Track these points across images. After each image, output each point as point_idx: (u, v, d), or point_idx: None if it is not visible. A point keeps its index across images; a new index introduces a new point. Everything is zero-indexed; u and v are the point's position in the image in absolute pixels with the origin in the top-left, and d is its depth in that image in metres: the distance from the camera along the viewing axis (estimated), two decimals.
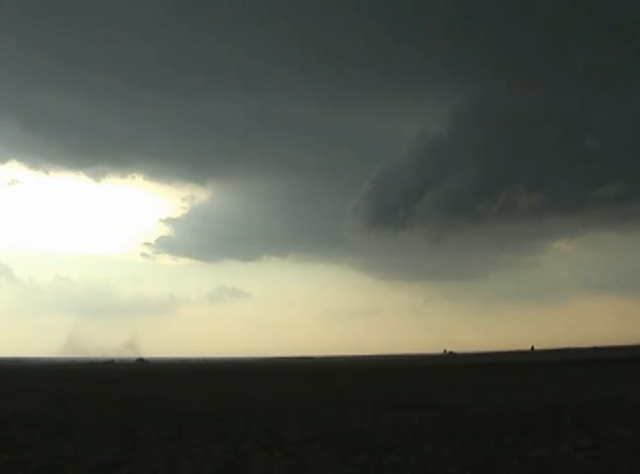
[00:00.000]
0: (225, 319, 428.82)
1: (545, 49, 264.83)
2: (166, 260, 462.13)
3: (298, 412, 24.60)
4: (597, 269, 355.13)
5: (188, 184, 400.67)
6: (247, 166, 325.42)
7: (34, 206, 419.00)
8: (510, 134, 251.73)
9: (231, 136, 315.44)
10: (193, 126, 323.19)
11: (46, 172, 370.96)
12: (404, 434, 17.27)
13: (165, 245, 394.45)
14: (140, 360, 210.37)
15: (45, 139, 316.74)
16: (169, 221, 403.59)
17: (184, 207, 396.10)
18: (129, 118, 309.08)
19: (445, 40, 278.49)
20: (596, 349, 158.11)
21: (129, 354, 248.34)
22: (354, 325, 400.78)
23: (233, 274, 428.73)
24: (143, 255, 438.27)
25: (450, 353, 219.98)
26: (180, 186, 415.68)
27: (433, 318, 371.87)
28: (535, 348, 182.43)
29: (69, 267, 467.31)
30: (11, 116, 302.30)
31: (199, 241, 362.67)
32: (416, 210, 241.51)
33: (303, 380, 58.92)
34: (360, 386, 44.46)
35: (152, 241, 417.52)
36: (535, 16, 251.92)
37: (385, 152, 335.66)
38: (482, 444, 14.90)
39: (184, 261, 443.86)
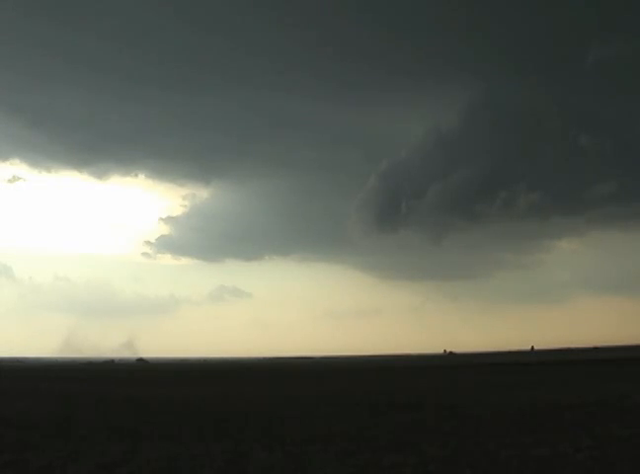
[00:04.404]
0: (226, 319, 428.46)
1: (547, 48, 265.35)
2: (167, 259, 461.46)
3: (298, 412, 24.59)
4: (598, 268, 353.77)
5: (192, 182, 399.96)
6: (250, 165, 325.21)
7: (35, 205, 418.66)
8: (512, 133, 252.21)
9: (234, 135, 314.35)
10: (196, 125, 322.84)
11: (48, 170, 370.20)
12: (404, 434, 17.27)
13: (166, 244, 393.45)
14: (140, 360, 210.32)
15: (47, 137, 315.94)
16: (169, 220, 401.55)
17: (184, 206, 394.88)
18: (132, 117, 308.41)
19: (446, 39, 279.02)
20: (596, 349, 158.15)
21: (128, 354, 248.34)
22: (354, 325, 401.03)
23: (235, 273, 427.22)
24: (144, 254, 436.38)
25: (450, 353, 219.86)
26: (183, 184, 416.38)
27: (433, 318, 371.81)
28: (535, 348, 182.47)
29: (69, 267, 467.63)
30: (13, 113, 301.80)
31: (200, 240, 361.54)
32: (418, 210, 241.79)
33: (303, 380, 58.91)
34: (361, 386, 44.44)
35: (153, 240, 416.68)
36: (537, 14, 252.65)
37: (388, 151, 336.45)
38: (482, 444, 14.90)
39: (185, 260, 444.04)
